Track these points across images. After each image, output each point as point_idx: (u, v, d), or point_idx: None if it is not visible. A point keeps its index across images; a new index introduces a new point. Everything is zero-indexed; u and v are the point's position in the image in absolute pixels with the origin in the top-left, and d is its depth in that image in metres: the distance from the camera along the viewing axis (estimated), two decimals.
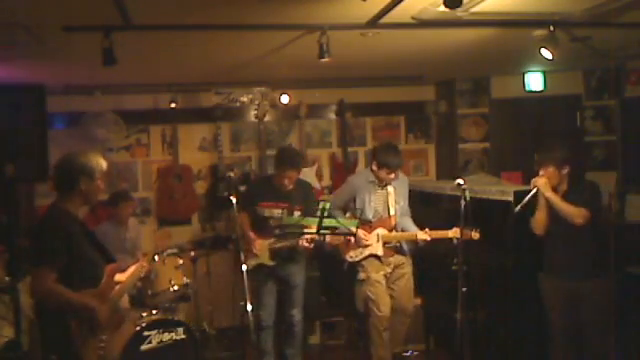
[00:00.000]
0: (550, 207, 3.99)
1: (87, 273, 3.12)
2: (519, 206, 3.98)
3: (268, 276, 4.88)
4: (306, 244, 4.67)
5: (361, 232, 4.76)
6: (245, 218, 4.87)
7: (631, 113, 6.10)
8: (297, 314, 4.99)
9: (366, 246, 4.84)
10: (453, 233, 4.45)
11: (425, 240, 4.72)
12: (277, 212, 4.82)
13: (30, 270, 3.06)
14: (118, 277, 3.34)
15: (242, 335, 5.06)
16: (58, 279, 2.99)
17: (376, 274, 4.87)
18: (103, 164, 3.25)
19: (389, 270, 4.93)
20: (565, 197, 3.98)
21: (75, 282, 3.03)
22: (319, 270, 5.89)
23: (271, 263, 4.82)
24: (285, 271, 4.92)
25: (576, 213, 3.90)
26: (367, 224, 4.86)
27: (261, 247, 4.78)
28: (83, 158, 3.20)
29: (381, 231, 4.85)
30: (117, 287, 3.27)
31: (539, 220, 4.07)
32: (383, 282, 4.89)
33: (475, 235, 4.37)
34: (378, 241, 4.84)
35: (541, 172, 4.02)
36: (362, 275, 4.90)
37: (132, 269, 3.46)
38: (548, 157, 4.03)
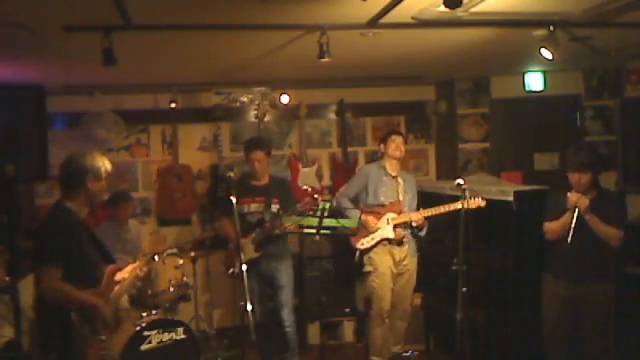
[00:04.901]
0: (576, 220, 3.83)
1: (88, 273, 3.13)
2: (570, 237, 3.81)
3: (254, 275, 4.77)
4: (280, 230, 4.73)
5: (370, 218, 4.85)
6: (227, 223, 4.87)
7: (631, 113, 6.10)
8: (287, 316, 4.92)
9: (377, 230, 4.88)
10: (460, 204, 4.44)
11: (431, 215, 4.76)
12: (255, 206, 4.88)
13: (34, 268, 3.07)
14: (119, 275, 3.35)
15: (242, 335, 5.06)
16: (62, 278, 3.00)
17: (383, 266, 4.91)
18: (108, 165, 3.31)
19: (396, 262, 4.95)
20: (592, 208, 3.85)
21: (76, 282, 3.04)
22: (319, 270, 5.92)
23: (257, 255, 4.80)
24: (270, 269, 4.90)
25: (614, 236, 3.84)
26: (378, 210, 4.92)
27: (245, 244, 4.76)
28: (90, 158, 3.23)
29: (391, 215, 4.90)
30: (116, 288, 3.27)
31: (557, 231, 3.95)
32: (389, 274, 4.93)
33: (481, 203, 4.39)
34: (388, 224, 4.89)
35: (574, 176, 3.88)
36: (369, 267, 4.96)
37: (129, 269, 3.47)
38: (581, 162, 3.86)
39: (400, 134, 5.10)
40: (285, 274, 4.96)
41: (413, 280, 5.07)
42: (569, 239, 3.81)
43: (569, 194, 3.88)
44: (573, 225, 3.80)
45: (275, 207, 4.84)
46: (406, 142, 5.18)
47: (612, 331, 4.03)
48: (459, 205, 4.17)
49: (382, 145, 5.05)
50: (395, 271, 4.95)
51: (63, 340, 3.03)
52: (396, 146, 4.97)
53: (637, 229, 5.08)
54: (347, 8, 3.39)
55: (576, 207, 3.82)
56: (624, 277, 4.61)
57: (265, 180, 4.96)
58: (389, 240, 4.90)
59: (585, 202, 3.81)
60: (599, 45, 4.64)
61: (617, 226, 3.85)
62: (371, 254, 4.94)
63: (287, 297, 4.95)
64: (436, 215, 4.75)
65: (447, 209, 4.58)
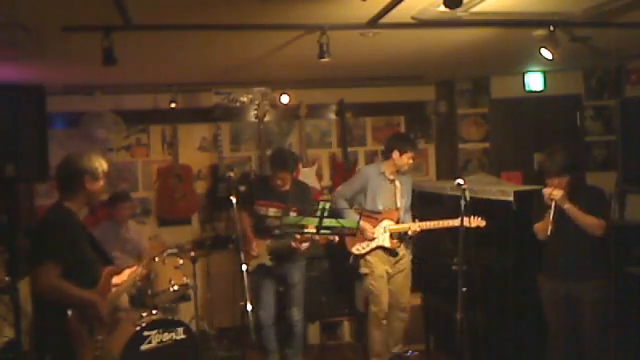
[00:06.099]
0: (559, 215, 3.88)
1: (85, 274, 3.13)
2: (550, 230, 3.89)
3: (267, 275, 4.90)
4: (295, 245, 4.77)
5: (367, 225, 4.82)
6: (245, 217, 4.90)
7: (631, 113, 6.08)
8: (296, 313, 5.01)
9: (373, 239, 4.87)
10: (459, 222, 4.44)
11: (429, 228, 4.76)
12: (272, 211, 4.87)
13: (33, 267, 3.07)
14: (115, 280, 3.35)
15: (242, 335, 5.06)
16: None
17: (379, 269, 4.90)
18: (104, 164, 3.32)
19: (392, 263, 4.94)
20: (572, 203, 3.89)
21: (73, 283, 3.04)
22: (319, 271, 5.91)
23: (270, 263, 4.85)
24: (283, 270, 4.95)
25: (596, 225, 3.87)
26: (375, 216, 4.89)
27: (259, 248, 4.81)
28: (87, 158, 3.25)
29: (387, 223, 4.89)
30: (113, 290, 3.28)
31: (545, 228, 3.97)
32: (385, 277, 4.92)
33: (481, 223, 4.38)
34: (385, 232, 4.87)
35: (553, 182, 3.93)
36: (365, 269, 4.94)
37: (128, 272, 3.47)
38: (558, 167, 3.92)
39: (417, 154, 5.12)
40: (297, 274, 5.00)
41: (409, 279, 5.07)
42: (549, 232, 3.88)
43: (544, 190, 3.94)
44: (552, 217, 3.86)
45: (293, 214, 4.76)
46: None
47: (612, 331, 4.03)
48: (457, 222, 4.11)
49: (396, 152, 4.88)
50: (391, 271, 4.97)
51: (59, 340, 3.02)
52: (409, 161, 4.91)
53: (637, 229, 5.09)
54: (347, 8, 3.39)
55: (552, 199, 3.87)
56: (624, 277, 4.61)
57: (286, 186, 4.92)
58: (384, 249, 4.90)
59: (559, 192, 3.87)
60: (599, 45, 4.64)
61: (598, 216, 3.88)
62: (367, 256, 4.93)
63: (298, 295, 5.01)
64: (434, 229, 4.74)
65: (446, 224, 4.59)
